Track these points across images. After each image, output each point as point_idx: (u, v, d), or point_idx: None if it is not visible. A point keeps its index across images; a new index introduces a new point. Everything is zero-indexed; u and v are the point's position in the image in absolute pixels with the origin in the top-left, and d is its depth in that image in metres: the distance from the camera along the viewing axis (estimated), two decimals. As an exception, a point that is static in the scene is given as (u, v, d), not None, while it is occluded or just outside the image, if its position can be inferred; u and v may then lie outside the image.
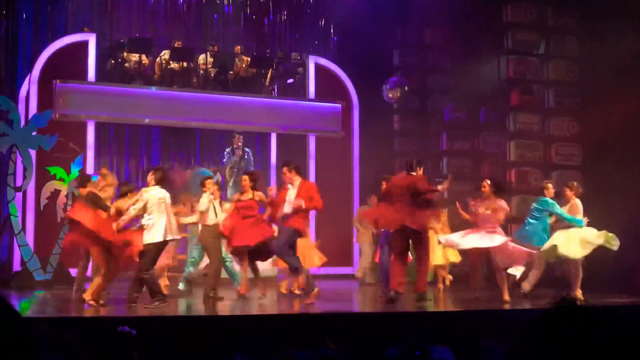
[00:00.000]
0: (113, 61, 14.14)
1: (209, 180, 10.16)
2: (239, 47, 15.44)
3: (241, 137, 13.17)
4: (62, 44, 13.48)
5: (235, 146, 13.02)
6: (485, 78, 14.59)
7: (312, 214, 14.51)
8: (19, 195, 12.05)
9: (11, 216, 11.62)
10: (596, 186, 12.94)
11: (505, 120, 14.75)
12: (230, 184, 13.20)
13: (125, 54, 14.22)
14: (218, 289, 9.79)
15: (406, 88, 14.54)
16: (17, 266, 12.06)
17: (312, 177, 14.75)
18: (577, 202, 10.55)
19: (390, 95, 14.44)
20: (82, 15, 15.17)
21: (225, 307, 9.50)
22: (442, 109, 15.92)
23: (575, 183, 10.93)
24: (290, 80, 15.57)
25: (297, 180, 9.76)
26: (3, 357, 1.49)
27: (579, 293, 10.10)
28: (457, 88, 15.14)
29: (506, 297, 9.70)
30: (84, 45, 13.55)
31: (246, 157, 13.23)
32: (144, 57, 14.31)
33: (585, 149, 14.46)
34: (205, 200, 9.88)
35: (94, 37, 13.67)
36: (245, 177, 10.20)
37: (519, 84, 14.77)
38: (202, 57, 14.81)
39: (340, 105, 15.02)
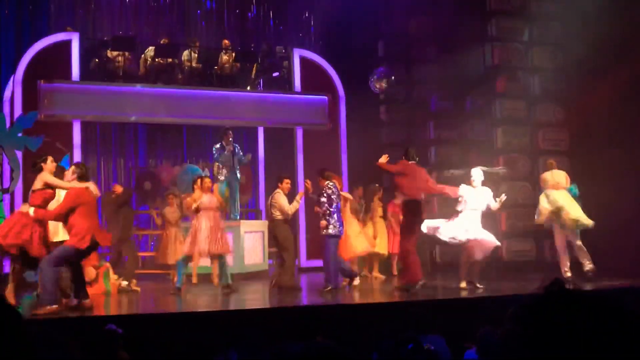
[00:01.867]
0: (97, 60, 14.07)
1: (287, 180, 10.79)
2: (226, 41, 15.39)
3: (231, 132, 13.11)
4: (45, 43, 13.40)
5: (225, 142, 12.95)
6: (471, 66, 14.60)
7: (301, 206, 14.53)
8: (7, 197, 11.99)
9: (-1, 218, 11.56)
10: (584, 170, 12.99)
11: (492, 107, 14.78)
12: (222, 179, 13.10)
13: (108, 53, 14.15)
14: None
15: (392, 78, 14.54)
16: (7, 268, 12.00)
17: (300, 170, 14.76)
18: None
19: (376, 86, 14.43)
20: (64, 14, 15.09)
21: (217, 302, 9.50)
22: (428, 98, 15.92)
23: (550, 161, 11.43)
24: (275, 74, 15.53)
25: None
26: (6, 357, 1.49)
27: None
28: (443, 77, 15.15)
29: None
30: (67, 44, 13.48)
31: (237, 152, 13.16)
32: (127, 54, 14.24)
33: (572, 134, 14.51)
34: (284, 198, 10.56)
35: (77, 36, 13.60)
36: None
37: (504, 71, 14.80)
38: (186, 53, 14.76)
39: (326, 98, 15.02)
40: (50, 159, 8.61)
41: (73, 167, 8.61)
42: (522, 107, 14.76)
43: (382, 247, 12.69)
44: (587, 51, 13.41)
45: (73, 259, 8.20)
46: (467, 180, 10.43)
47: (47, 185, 8.31)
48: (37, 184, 8.37)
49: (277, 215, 10.64)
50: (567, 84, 14.68)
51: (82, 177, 8.38)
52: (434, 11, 15.22)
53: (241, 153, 13.14)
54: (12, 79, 13.13)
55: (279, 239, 10.67)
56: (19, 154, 11.83)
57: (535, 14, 14.81)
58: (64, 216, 8.12)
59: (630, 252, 11.31)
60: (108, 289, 10.33)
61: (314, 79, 15.13)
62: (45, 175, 8.36)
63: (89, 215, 8.20)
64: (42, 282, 8.00)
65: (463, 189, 10.32)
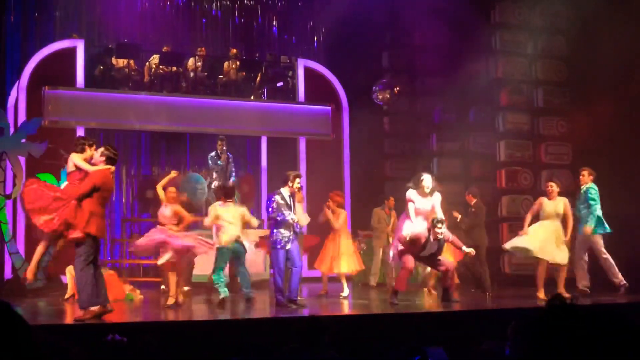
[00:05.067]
0: (102, 67, 14.11)
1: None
2: (233, 49, 15.43)
3: (224, 141, 13.14)
4: (50, 50, 13.46)
5: (219, 151, 12.98)
6: (474, 79, 14.62)
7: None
8: (9, 202, 12.01)
9: (1, 224, 11.57)
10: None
11: (495, 120, 14.79)
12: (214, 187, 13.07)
13: (113, 60, 14.19)
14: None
15: (395, 90, 14.56)
16: (8, 274, 12.01)
17: (302, 179, 14.76)
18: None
19: (379, 97, 14.45)
20: (70, 21, 15.13)
21: (220, 311, 9.49)
22: (431, 110, 15.94)
23: (557, 182, 10.97)
24: (279, 84, 15.57)
25: None
26: None
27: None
28: (447, 89, 15.17)
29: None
30: (72, 51, 13.53)
31: (230, 161, 13.20)
32: (132, 62, 14.28)
33: (575, 148, 14.51)
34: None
35: (82, 43, 13.64)
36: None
37: (508, 84, 14.82)
38: (191, 60, 14.80)
39: (330, 108, 15.04)
40: (93, 147, 8.44)
41: (102, 148, 8.23)
42: (525, 121, 14.78)
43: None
44: (590, 65, 13.43)
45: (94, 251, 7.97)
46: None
47: (76, 167, 8.17)
48: (69, 166, 8.22)
49: None
50: (570, 98, 14.70)
51: (110, 161, 8.26)
52: (438, 23, 15.25)
53: (232, 165, 13.04)
54: (16, 85, 13.17)
55: None
56: (22, 160, 11.86)
57: (540, 28, 14.84)
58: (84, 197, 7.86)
59: (635, 266, 11.27)
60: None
61: (318, 89, 15.16)
62: (75, 157, 8.19)
63: (102, 203, 8.03)
64: (79, 288, 7.93)
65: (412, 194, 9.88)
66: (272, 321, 8.52)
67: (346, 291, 11.05)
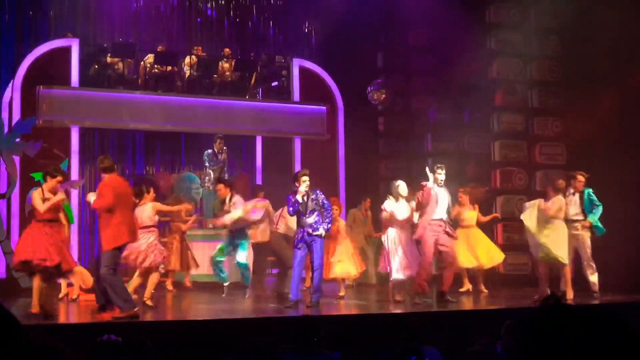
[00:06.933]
0: (96, 66, 14.08)
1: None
2: (227, 49, 15.43)
3: (223, 140, 13.15)
4: (45, 49, 13.42)
5: (217, 150, 12.97)
6: (469, 79, 14.64)
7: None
8: (3, 202, 11.98)
9: (-4, 223, 11.54)
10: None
11: (489, 120, 14.81)
12: (209, 186, 13.10)
13: (108, 59, 14.16)
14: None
15: (390, 90, 14.57)
16: (2, 273, 11.98)
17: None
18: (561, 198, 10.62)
19: (374, 97, 14.46)
20: (64, 20, 15.09)
21: (212, 311, 9.48)
22: (426, 110, 15.95)
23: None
24: (274, 83, 15.56)
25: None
26: None
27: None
28: (441, 89, 15.19)
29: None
30: (67, 50, 13.50)
31: (226, 163, 13.23)
32: (127, 61, 14.25)
33: (569, 148, 14.54)
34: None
35: (77, 42, 13.61)
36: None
37: (503, 84, 14.84)
38: (187, 59, 14.79)
39: (325, 108, 15.03)
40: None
41: (100, 158, 8.48)
42: (519, 121, 14.80)
43: (484, 259, 11.83)
44: (585, 65, 13.46)
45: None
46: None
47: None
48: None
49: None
50: (565, 98, 14.73)
51: (108, 169, 8.29)
52: (433, 23, 15.26)
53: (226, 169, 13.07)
54: (11, 84, 13.13)
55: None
56: (17, 160, 11.83)
57: (535, 28, 14.87)
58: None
59: (629, 266, 11.30)
60: None
61: (313, 89, 15.14)
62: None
63: (128, 208, 8.25)
64: (112, 292, 7.98)
65: (387, 204, 10.06)
66: (266, 321, 8.52)
67: (343, 291, 11.06)
